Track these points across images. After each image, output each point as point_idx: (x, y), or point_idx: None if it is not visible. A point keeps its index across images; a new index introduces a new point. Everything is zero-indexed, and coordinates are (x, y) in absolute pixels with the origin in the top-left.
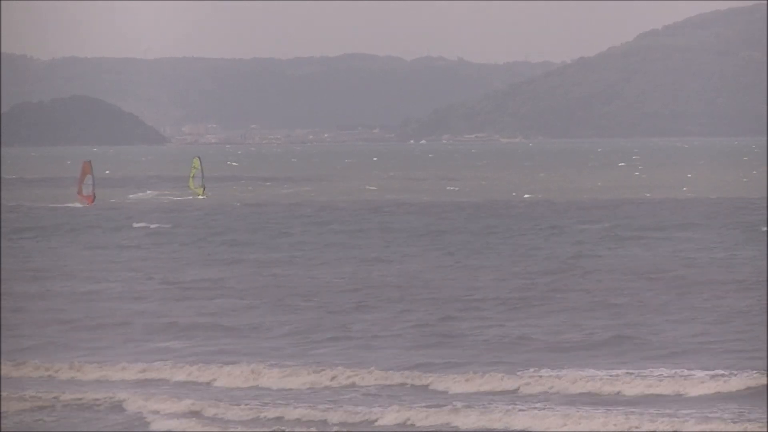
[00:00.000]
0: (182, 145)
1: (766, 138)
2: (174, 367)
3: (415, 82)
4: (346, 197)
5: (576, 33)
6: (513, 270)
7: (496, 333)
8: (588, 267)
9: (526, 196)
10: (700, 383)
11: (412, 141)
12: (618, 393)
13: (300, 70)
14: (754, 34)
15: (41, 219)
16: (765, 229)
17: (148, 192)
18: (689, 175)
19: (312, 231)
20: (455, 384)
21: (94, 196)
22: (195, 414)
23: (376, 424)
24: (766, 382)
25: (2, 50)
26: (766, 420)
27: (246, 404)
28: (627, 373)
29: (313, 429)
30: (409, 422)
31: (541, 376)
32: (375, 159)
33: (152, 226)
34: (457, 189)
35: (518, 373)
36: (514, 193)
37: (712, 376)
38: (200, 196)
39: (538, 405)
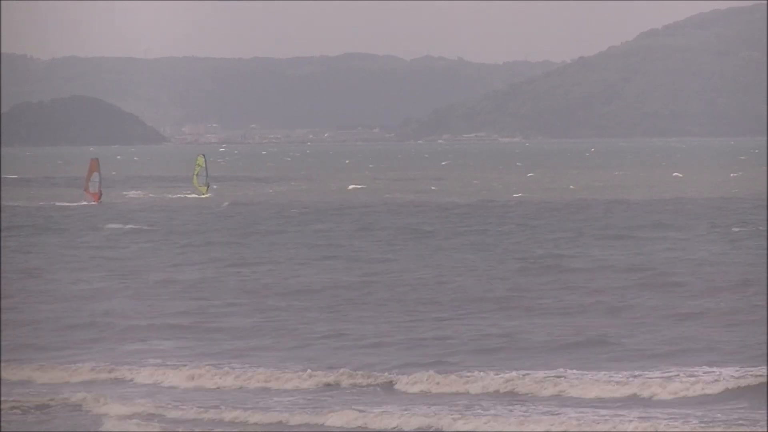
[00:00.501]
0: (182, 145)
1: (766, 138)
2: (132, 369)
3: (414, 82)
4: (317, 198)
5: (576, 33)
6: (479, 269)
7: (459, 332)
8: (548, 267)
9: (515, 195)
10: (668, 385)
11: (411, 141)
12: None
13: (300, 70)
14: (754, 34)
15: (19, 218)
16: (736, 229)
17: (135, 192)
18: (676, 174)
19: (287, 230)
20: (414, 385)
21: (101, 194)
22: (151, 416)
23: (326, 425)
24: (766, 382)
25: (2, 50)
26: (766, 420)
27: (199, 406)
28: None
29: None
30: (358, 423)
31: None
32: (371, 164)
33: (126, 226)
34: (437, 189)
35: (467, 374)
36: (501, 193)
37: (680, 376)
38: (204, 195)
39: (495, 409)
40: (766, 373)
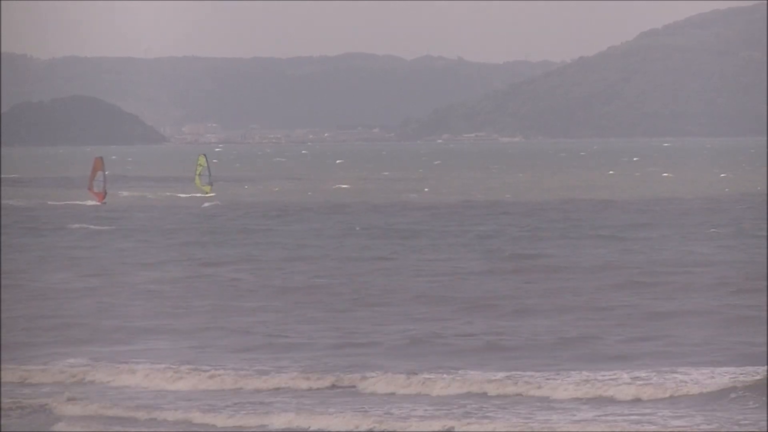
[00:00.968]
0: (182, 145)
1: (766, 138)
2: (93, 369)
3: (415, 81)
4: (299, 199)
5: (576, 33)
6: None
7: (401, 331)
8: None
9: (504, 196)
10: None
11: (411, 141)
12: (547, 397)
13: (300, 70)
14: (754, 34)
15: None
16: (713, 230)
17: (127, 192)
18: (666, 175)
19: (259, 230)
20: (376, 385)
21: (105, 193)
22: (101, 417)
23: (268, 428)
24: (766, 382)
25: (2, 50)
26: (766, 420)
27: (147, 407)
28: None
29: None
30: (295, 425)
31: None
32: (363, 165)
33: (91, 227)
34: (418, 189)
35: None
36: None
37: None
38: (208, 194)
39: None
40: (766, 374)
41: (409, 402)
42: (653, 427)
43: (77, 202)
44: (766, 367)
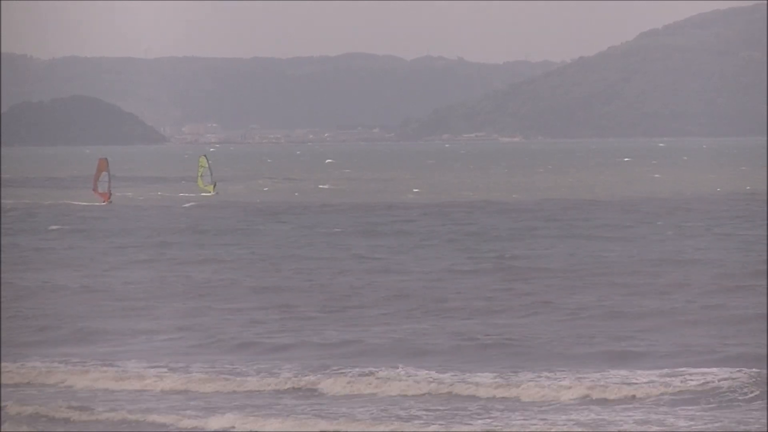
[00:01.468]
0: (182, 145)
1: (766, 138)
2: (49, 371)
3: (415, 82)
4: (279, 198)
5: (576, 33)
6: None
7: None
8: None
9: (486, 197)
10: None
11: (411, 141)
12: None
13: (300, 70)
14: (754, 34)
15: None
16: (686, 224)
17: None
18: (657, 176)
19: (230, 230)
20: (334, 386)
21: (110, 194)
22: (39, 416)
23: (204, 428)
24: (766, 382)
25: (2, 50)
26: (766, 420)
27: (93, 408)
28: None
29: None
30: (232, 427)
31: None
32: (349, 164)
33: (68, 227)
34: (417, 190)
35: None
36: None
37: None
38: (210, 194)
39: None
40: (766, 374)
41: (364, 403)
42: (654, 427)
43: (64, 202)
44: (766, 367)
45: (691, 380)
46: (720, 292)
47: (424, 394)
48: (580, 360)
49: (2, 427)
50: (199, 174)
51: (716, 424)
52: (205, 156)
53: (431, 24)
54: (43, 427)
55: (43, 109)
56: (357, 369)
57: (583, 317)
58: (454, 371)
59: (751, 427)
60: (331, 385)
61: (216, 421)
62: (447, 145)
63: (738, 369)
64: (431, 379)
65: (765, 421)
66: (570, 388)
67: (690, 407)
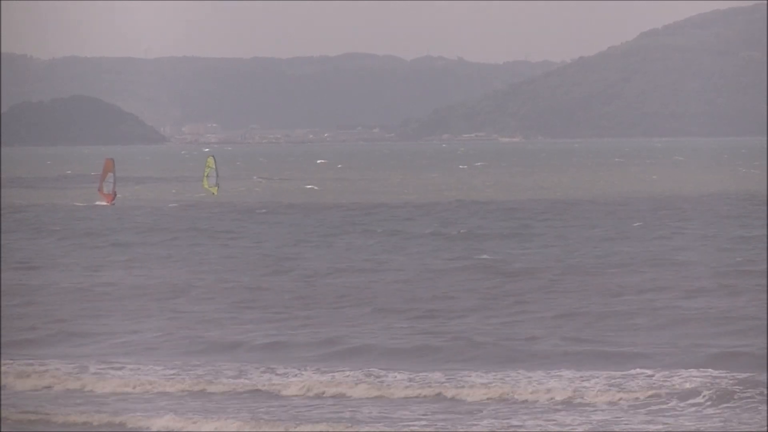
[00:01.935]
0: (182, 145)
1: (766, 138)
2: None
3: (415, 82)
4: (262, 198)
5: (576, 33)
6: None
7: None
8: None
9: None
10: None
11: (411, 141)
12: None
13: (300, 70)
14: (754, 34)
15: None
16: (636, 224)
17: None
18: (655, 177)
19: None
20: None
21: (115, 195)
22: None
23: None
24: (766, 382)
25: (2, 50)
26: (766, 420)
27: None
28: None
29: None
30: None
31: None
32: (339, 164)
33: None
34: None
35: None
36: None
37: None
38: (214, 194)
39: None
40: (766, 374)
41: (322, 405)
42: (653, 427)
43: (52, 202)
44: (766, 367)
45: (691, 380)
46: (709, 290)
47: (414, 396)
48: (570, 360)
49: None
50: (205, 174)
51: (716, 424)
52: (213, 157)
53: (431, 24)
54: None
55: (43, 109)
56: (321, 369)
57: (570, 317)
58: (422, 372)
59: (751, 427)
60: (292, 386)
61: (157, 421)
62: (444, 145)
63: (734, 370)
64: (410, 381)
65: (765, 421)
66: (558, 389)
67: (689, 407)
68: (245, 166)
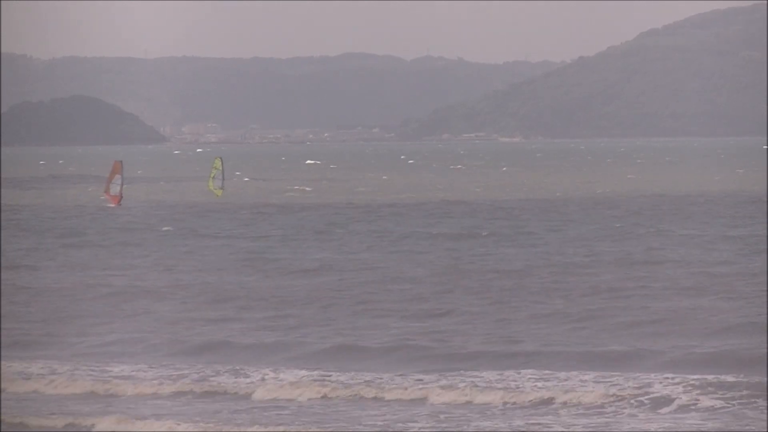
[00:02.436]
0: (182, 145)
1: (766, 138)
2: None
3: (415, 82)
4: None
5: (576, 33)
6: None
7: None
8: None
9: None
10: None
11: (411, 141)
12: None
13: (300, 70)
14: (754, 34)
15: None
16: (618, 225)
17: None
18: (630, 177)
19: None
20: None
21: (121, 197)
22: None
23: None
24: (766, 382)
25: (2, 50)
26: (766, 420)
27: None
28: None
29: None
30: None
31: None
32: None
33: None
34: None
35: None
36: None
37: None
38: (218, 196)
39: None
40: (766, 374)
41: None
42: (653, 427)
43: (47, 203)
44: (766, 368)
45: (690, 380)
46: (699, 291)
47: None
48: (562, 360)
49: None
50: (211, 176)
51: (716, 425)
52: (220, 158)
53: (431, 24)
54: None
55: (43, 109)
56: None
57: (560, 318)
58: (391, 374)
59: (751, 427)
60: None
61: (100, 423)
62: (440, 145)
63: (733, 370)
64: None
65: (765, 422)
66: (542, 389)
67: (689, 407)
68: (233, 166)
